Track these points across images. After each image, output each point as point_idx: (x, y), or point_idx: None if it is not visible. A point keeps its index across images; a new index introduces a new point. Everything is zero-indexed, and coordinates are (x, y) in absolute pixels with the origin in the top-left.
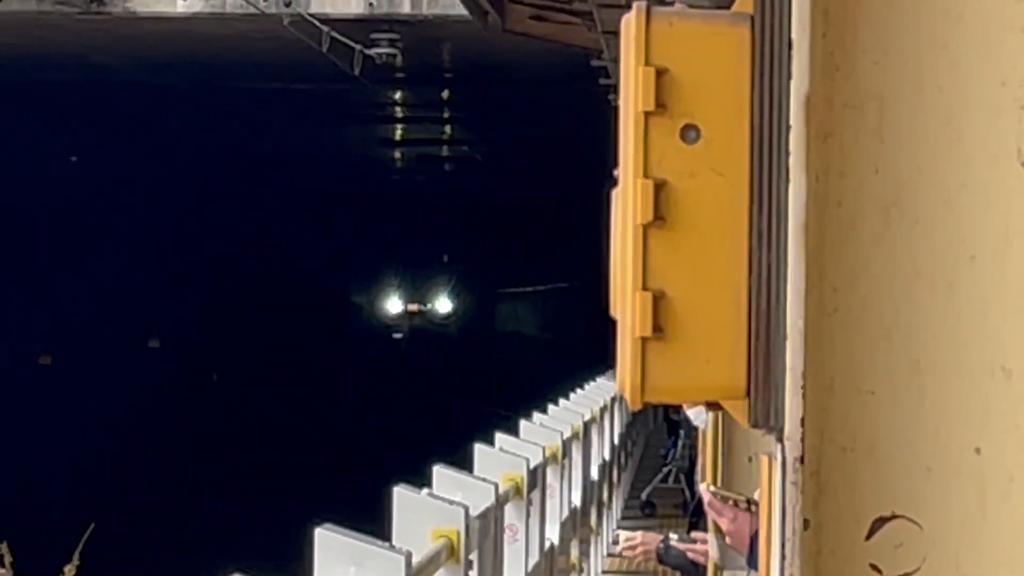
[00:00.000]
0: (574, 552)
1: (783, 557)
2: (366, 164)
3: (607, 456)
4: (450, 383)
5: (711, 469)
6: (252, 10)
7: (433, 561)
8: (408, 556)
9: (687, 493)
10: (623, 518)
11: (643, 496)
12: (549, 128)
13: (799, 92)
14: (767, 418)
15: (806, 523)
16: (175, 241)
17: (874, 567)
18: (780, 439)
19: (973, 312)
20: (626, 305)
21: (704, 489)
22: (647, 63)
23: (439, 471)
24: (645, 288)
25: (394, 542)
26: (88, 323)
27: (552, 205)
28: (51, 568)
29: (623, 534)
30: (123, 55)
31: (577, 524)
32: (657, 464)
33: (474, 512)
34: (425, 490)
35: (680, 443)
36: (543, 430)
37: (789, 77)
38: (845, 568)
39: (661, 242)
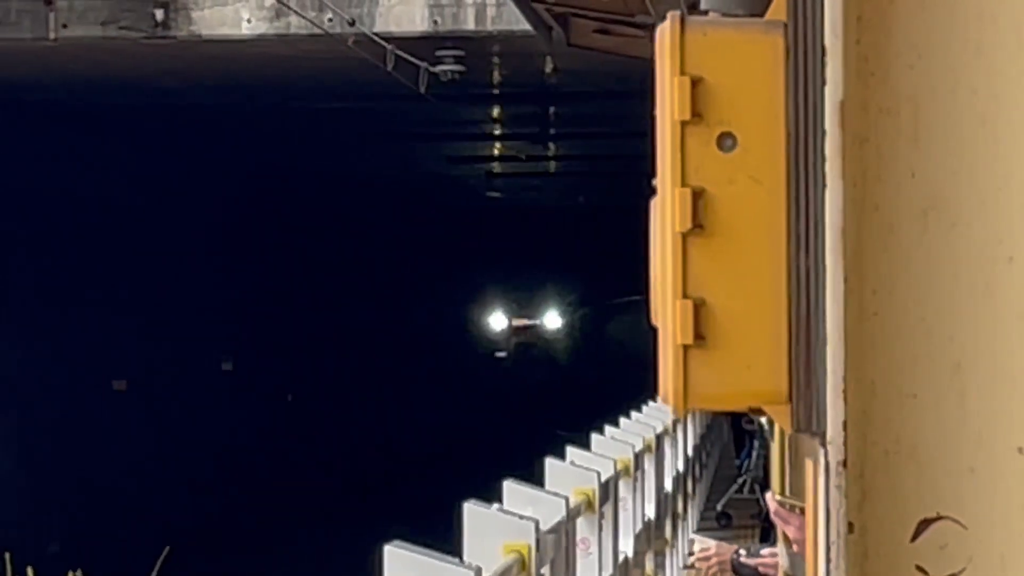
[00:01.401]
0: (649, 564)
1: (828, 561)
2: (433, 181)
3: (681, 467)
4: (553, 397)
5: (778, 477)
6: (317, 31)
7: None
8: (478, 571)
9: (762, 503)
10: (699, 529)
11: (719, 507)
12: (621, 140)
13: (833, 98)
14: (809, 423)
15: (851, 526)
16: (246, 262)
17: (920, 569)
18: (823, 443)
19: (1012, 313)
20: (667, 313)
21: (770, 498)
22: (682, 73)
23: (509, 486)
24: (685, 296)
25: (465, 558)
26: (161, 347)
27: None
28: None
29: (698, 541)
30: (188, 78)
31: (652, 536)
32: (732, 474)
33: (544, 526)
34: (495, 505)
35: (755, 453)
36: (615, 443)
37: (823, 83)
38: (891, 570)
39: (700, 250)
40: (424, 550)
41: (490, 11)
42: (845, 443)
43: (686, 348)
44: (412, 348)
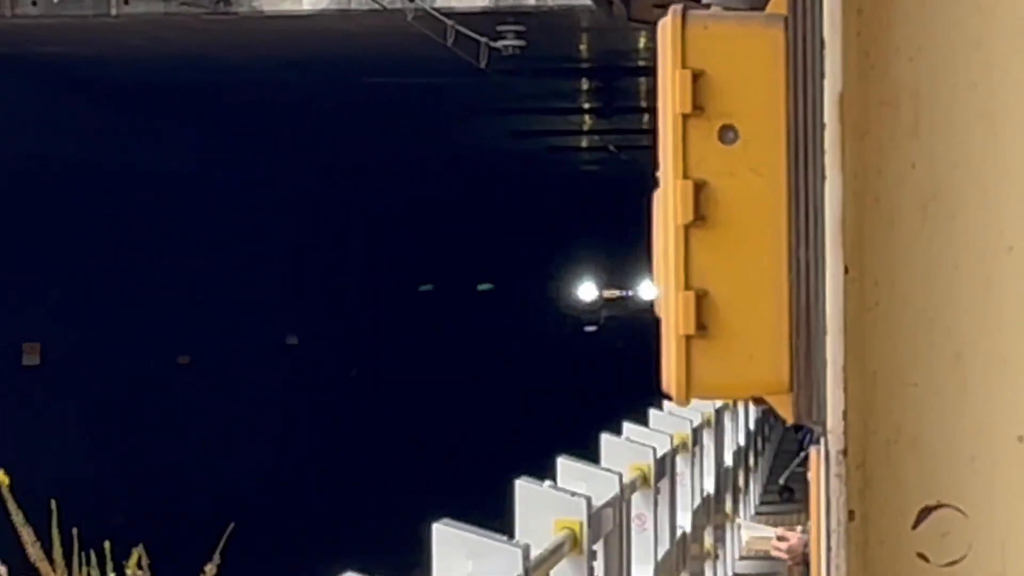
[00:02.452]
0: (708, 539)
1: (829, 549)
2: (494, 156)
3: (742, 442)
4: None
5: None
6: (377, 6)
7: (555, 553)
8: (526, 549)
9: None
10: (761, 503)
11: (781, 481)
12: None
13: (833, 91)
14: (810, 412)
15: (851, 515)
16: (311, 236)
17: (921, 556)
18: (823, 433)
19: (1012, 303)
20: (669, 304)
21: None
22: (684, 66)
23: (563, 463)
24: (687, 287)
25: (517, 535)
26: (225, 321)
27: None
28: (191, 569)
29: (745, 528)
30: (250, 54)
31: (711, 511)
32: (795, 449)
33: (598, 502)
34: (547, 482)
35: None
36: (673, 418)
37: (823, 76)
38: (893, 558)
39: (702, 242)
40: (472, 527)
41: None
42: (845, 432)
43: (688, 338)
44: (488, 322)
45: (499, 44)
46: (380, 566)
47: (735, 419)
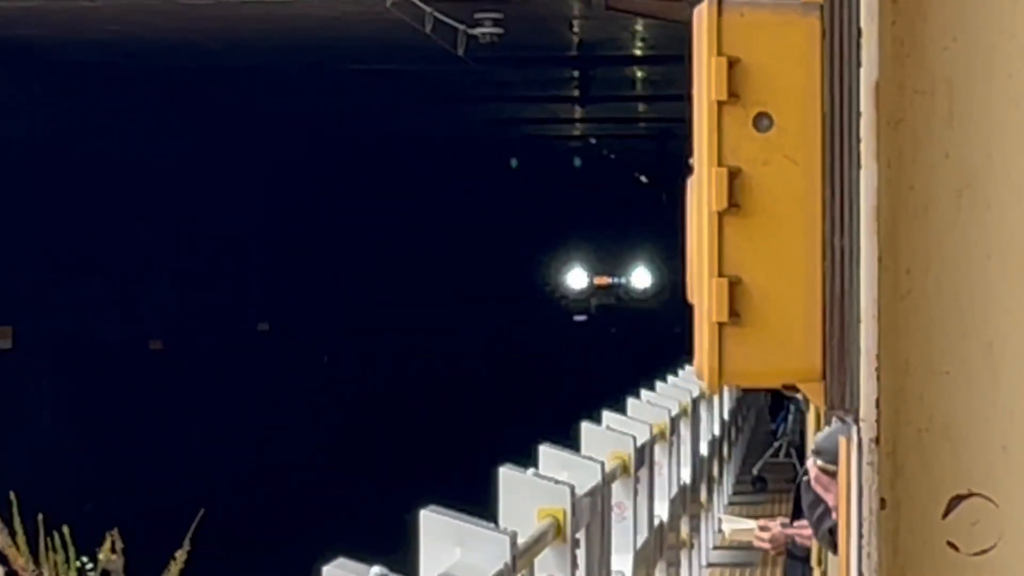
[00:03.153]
0: (684, 529)
1: (860, 536)
2: (475, 144)
3: (717, 432)
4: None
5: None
6: None
7: (540, 541)
8: (513, 536)
9: (798, 467)
10: (734, 493)
11: (754, 471)
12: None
13: (869, 79)
14: (843, 400)
15: (883, 502)
16: (284, 223)
17: (951, 545)
18: (856, 420)
19: None
20: (703, 291)
21: (811, 464)
22: (719, 53)
23: (545, 450)
24: (721, 274)
25: (501, 522)
26: (198, 307)
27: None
28: (163, 554)
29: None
30: (227, 40)
31: (687, 500)
32: (768, 439)
33: (580, 491)
34: (531, 470)
35: (791, 417)
36: (651, 407)
37: (859, 64)
38: (923, 546)
39: (736, 229)
40: (459, 514)
41: None
42: (878, 420)
43: (721, 326)
44: (463, 311)
45: (476, 31)
46: (361, 552)
47: (711, 409)
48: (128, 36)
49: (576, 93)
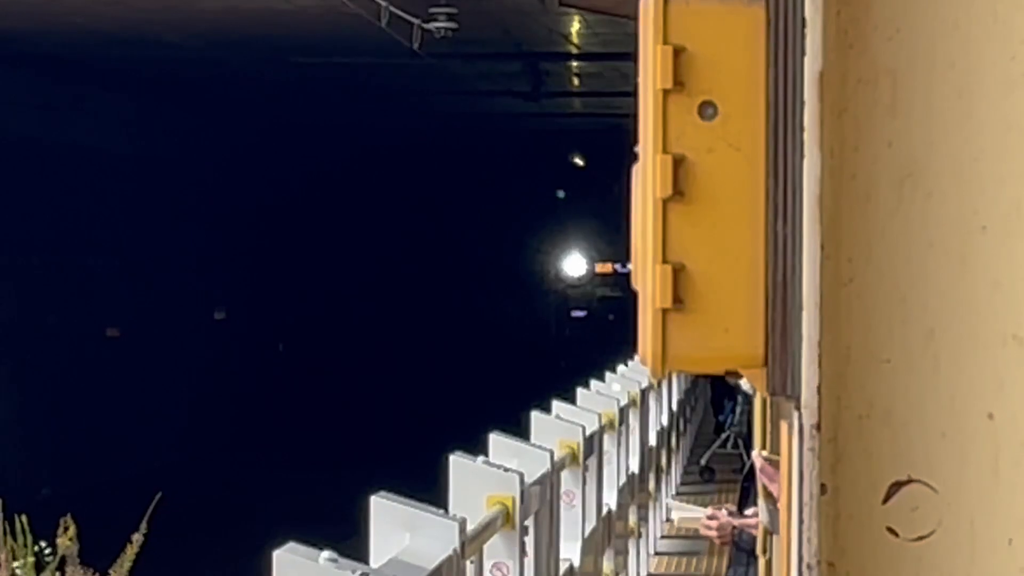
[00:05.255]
0: (632, 517)
1: (801, 522)
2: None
3: (665, 422)
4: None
5: (760, 435)
6: None
7: (488, 527)
8: (463, 523)
9: (745, 458)
10: (682, 483)
11: (702, 461)
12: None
13: (813, 69)
14: (784, 386)
15: (823, 488)
16: (241, 212)
17: (891, 530)
18: (797, 407)
19: (986, 282)
20: (647, 278)
21: (756, 455)
22: (665, 42)
23: (495, 439)
24: (665, 261)
25: (451, 509)
26: (155, 294)
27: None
28: (119, 538)
29: (675, 508)
30: (185, 32)
31: (635, 490)
32: (716, 430)
33: (529, 479)
34: (481, 458)
35: (739, 408)
36: (600, 397)
37: (803, 54)
38: (863, 531)
39: (680, 216)
40: (409, 500)
41: None
42: (819, 407)
43: (665, 312)
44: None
45: (431, 26)
46: (314, 538)
47: (659, 400)
48: (87, 28)
49: (523, 89)
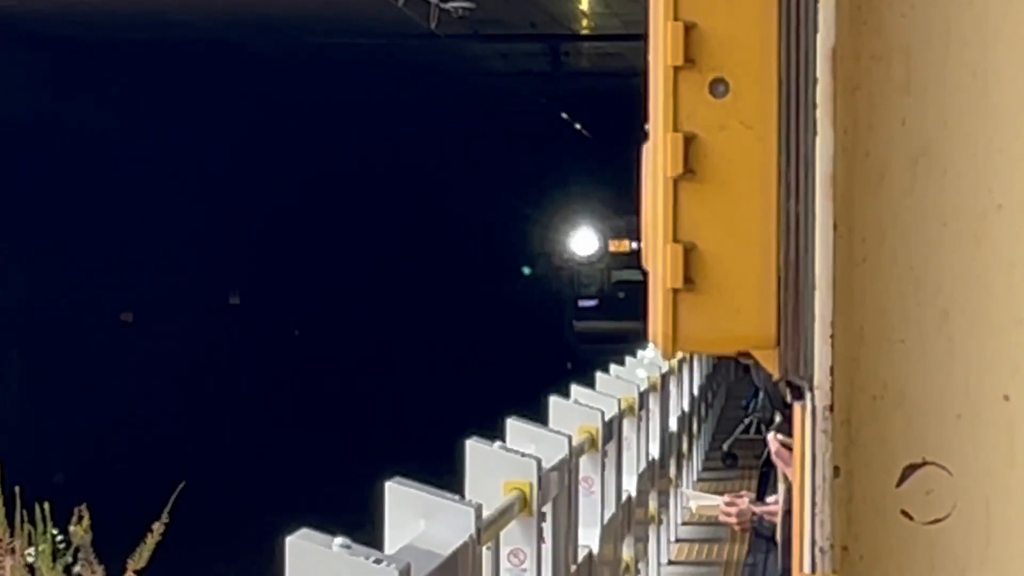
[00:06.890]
0: (652, 504)
1: (814, 504)
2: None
3: (686, 407)
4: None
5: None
6: None
7: (505, 514)
8: (478, 508)
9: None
10: (704, 469)
11: (724, 447)
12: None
13: (825, 45)
14: (797, 367)
15: (836, 471)
16: (255, 195)
17: (905, 513)
18: (810, 388)
19: (1000, 261)
20: (657, 257)
21: (771, 439)
22: (676, 18)
23: (512, 423)
24: (676, 240)
25: (467, 495)
26: (168, 279)
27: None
28: (136, 529)
29: (692, 498)
30: (195, 11)
31: (656, 476)
32: (739, 415)
33: (547, 464)
34: (498, 443)
35: (761, 394)
36: (620, 382)
37: (816, 31)
38: (876, 515)
39: (691, 195)
40: (425, 486)
41: None
42: (832, 388)
43: (675, 292)
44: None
45: (448, 5)
46: (329, 524)
47: (680, 385)
48: (93, 6)
49: (542, 69)
